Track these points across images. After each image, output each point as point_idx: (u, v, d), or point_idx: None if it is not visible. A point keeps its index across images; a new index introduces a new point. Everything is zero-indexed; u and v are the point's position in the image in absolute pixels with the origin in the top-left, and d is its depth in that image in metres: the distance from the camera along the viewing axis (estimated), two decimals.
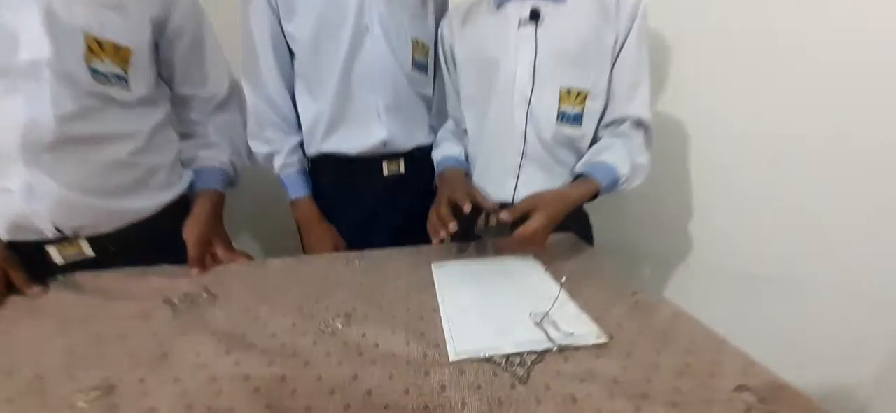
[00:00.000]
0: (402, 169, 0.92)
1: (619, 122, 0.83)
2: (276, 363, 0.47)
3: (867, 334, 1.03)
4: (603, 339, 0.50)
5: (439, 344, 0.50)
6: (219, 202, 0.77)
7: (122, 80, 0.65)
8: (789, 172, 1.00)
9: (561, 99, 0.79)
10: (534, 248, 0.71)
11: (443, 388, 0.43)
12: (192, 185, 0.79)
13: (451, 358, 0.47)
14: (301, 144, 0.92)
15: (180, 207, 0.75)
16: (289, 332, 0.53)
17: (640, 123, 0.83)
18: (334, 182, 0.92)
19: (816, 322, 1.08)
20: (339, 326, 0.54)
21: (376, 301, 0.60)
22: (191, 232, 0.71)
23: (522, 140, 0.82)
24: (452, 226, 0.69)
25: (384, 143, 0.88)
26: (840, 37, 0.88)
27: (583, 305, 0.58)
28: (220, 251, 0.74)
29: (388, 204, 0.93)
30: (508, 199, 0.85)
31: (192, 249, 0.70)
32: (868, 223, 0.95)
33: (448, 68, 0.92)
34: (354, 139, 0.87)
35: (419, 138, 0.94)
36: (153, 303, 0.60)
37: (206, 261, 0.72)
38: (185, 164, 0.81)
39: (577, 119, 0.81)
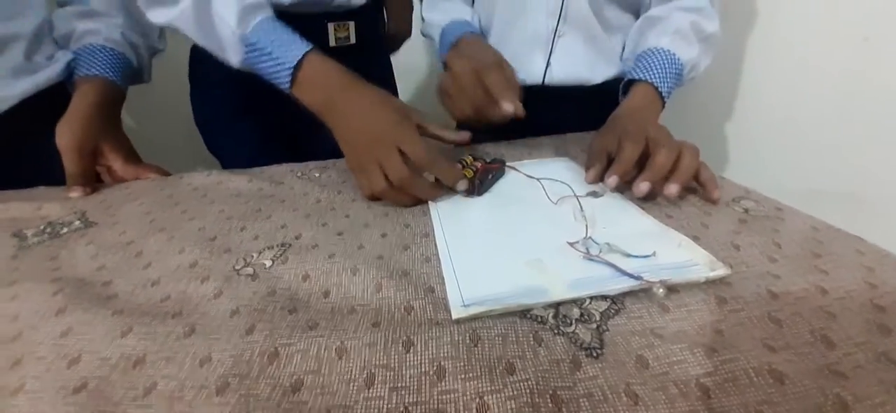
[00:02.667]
0: (352, 36, 0.62)
1: None
2: (137, 331, 0.26)
3: None
4: (721, 271, 0.28)
5: (434, 289, 0.29)
6: (108, 95, 0.52)
7: None
8: (869, 74, 0.77)
9: None
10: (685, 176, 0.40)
11: (440, 372, 0.22)
12: (72, 74, 0.54)
13: (456, 313, 0.26)
14: None
15: (57, 102, 0.51)
16: (182, 277, 0.32)
17: None
18: None
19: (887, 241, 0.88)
20: (267, 265, 0.32)
21: (335, 225, 0.38)
22: (63, 137, 0.48)
23: None
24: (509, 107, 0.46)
25: None
26: None
27: (664, 220, 0.36)
28: (118, 165, 0.51)
29: None
30: (536, 82, 0.61)
31: (68, 162, 0.48)
32: None
33: None
34: None
35: None
36: None
37: (90, 178, 0.49)
38: (61, 42, 0.56)
39: None
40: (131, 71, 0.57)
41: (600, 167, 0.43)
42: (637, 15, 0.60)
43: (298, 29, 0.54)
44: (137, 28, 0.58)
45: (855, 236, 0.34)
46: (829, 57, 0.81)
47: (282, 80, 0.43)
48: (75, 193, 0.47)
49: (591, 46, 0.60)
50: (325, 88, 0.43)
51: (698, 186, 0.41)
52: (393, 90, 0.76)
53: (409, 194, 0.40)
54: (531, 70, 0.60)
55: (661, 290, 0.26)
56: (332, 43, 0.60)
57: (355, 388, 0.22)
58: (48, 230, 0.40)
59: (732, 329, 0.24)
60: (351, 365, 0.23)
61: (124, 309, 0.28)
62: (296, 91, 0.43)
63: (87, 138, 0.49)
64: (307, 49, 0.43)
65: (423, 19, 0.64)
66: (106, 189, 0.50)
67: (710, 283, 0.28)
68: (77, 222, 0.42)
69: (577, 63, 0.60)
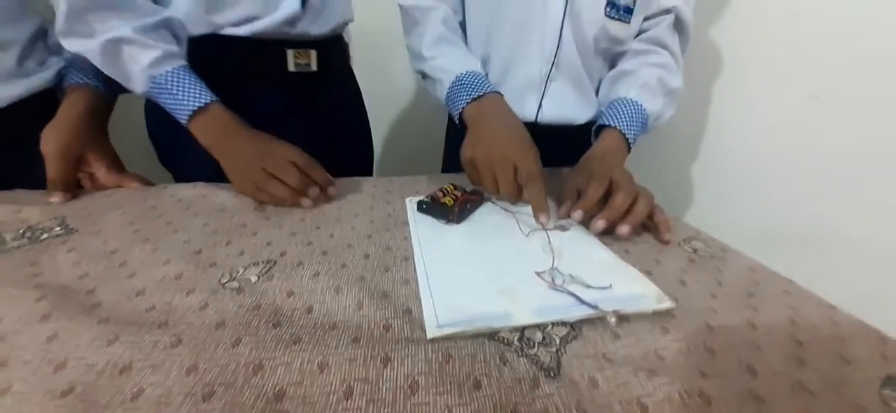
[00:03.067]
0: (313, 64, 0.61)
1: (654, 19, 0.62)
2: (124, 340, 0.27)
3: (879, 298, 0.92)
4: (667, 305, 0.32)
5: (412, 310, 0.31)
6: (97, 104, 0.53)
7: None
8: (807, 127, 0.86)
9: None
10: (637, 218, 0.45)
11: (413, 386, 0.24)
12: (62, 81, 0.55)
13: (431, 333, 0.28)
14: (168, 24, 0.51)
15: (45, 108, 0.52)
16: (167, 288, 0.33)
17: (679, 23, 0.63)
18: (214, 90, 0.53)
19: (838, 281, 0.96)
20: (253, 280, 0.34)
21: (319, 244, 0.40)
22: (49, 142, 0.48)
23: (556, 41, 0.60)
24: (545, 219, 0.44)
25: (293, 20, 0.56)
26: None
27: (622, 255, 0.40)
28: (101, 172, 0.52)
29: (294, 119, 0.62)
30: (529, 120, 0.65)
31: (51, 167, 0.48)
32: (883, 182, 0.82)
33: None
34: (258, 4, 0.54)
35: (343, 14, 0.66)
36: None
37: (72, 184, 0.49)
38: (54, 49, 0.56)
39: (628, 12, 0.60)
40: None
41: (571, 203, 0.47)
42: (613, 65, 0.66)
43: (256, 55, 0.58)
44: None
45: (785, 278, 0.39)
46: (782, 112, 0.89)
47: (180, 115, 0.49)
48: (56, 198, 0.47)
49: (578, 91, 0.64)
50: (218, 132, 0.50)
51: (653, 226, 0.45)
52: (363, 118, 0.77)
53: (290, 185, 0.48)
54: (524, 110, 0.63)
55: (613, 320, 0.30)
56: (291, 68, 0.60)
57: (335, 399, 0.24)
58: (28, 234, 0.40)
59: (672, 356, 0.28)
60: (332, 378, 0.25)
61: (110, 317, 0.29)
62: (191, 126, 0.50)
63: (73, 145, 0.49)
64: (210, 100, 0.50)
65: (423, 56, 0.62)
66: (86, 196, 0.50)
67: (658, 314, 0.31)
68: (57, 228, 0.42)
69: (566, 105, 0.64)
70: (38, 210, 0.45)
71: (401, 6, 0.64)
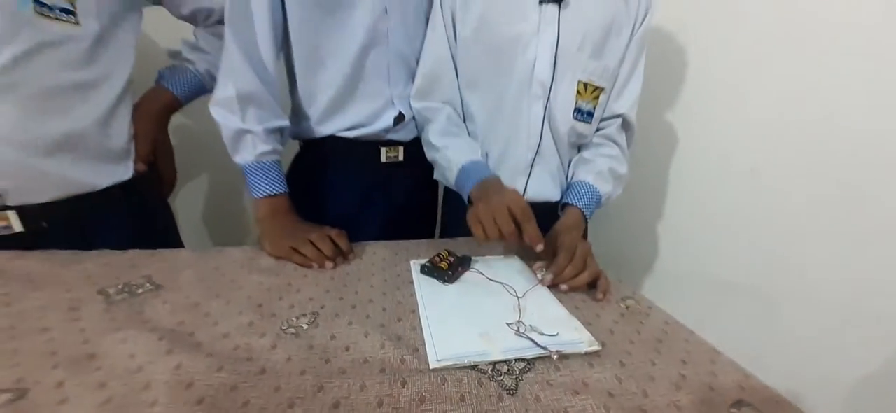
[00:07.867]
0: (400, 156, 0.83)
1: (608, 120, 0.80)
2: (227, 368, 0.40)
3: (830, 343, 1.04)
4: (596, 347, 0.46)
5: (418, 349, 0.45)
6: (167, 104, 0.75)
7: (69, 13, 0.59)
8: (760, 183, 1.00)
9: (578, 93, 0.75)
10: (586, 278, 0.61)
11: (422, 399, 0.38)
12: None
13: (432, 365, 0.42)
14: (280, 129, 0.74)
15: (136, 189, 0.68)
16: (244, 332, 0.46)
17: (626, 124, 0.81)
18: (325, 170, 0.81)
19: (782, 330, 1.09)
20: (305, 327, 0.48)
21: (348, 299, 0.54)
22: (139, 124, 0.71)
23: (538, 136, 0.76)
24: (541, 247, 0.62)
25: (388, 128, 0.79)
26: (819, 53, 0.88)
27: (572, 310, 0.55)
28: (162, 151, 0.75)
29: (381, 193, 0.84)
30: None
31: (139, 144, 0.71)
32: (833, 234, 0.94)
33: (449, 38, 0.76)
34: (363, 119, 0.77)
35: None
36: (84, 292, 0.52)
37: (150, 157, 0.73)
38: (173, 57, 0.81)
39: (590, 116, 0.77)
40: (195, 94, 0.80)
41: (546, 264, 0.63)
42: (578, 150, 0.83)
43: (355, 151, 0.80)
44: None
45: (689, 330, 0.53)
46: (725, 185, 1.05)
47: (258, 191, 0.69)
48: (141, 167, 0.70)
49: (553, 174, 0.80)
50: (276, 210, 0.70)
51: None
52: (434, 202, 0.97)
53: (325, 252, 0.64)
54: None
55: (555, 357, 0.44)
56: (383, 159, 0.81)
57: (371, 408, 0.37)
58: (126, 290, 0.53)
59: (593, 383, 0.42)
60: (369, 395, 0.38)
61: (212, 353, 0.42)
62: (260, 200, 0.69)
63: (151, 130, 0.73)
64: (282, 191, 0.71)
65: (433, 146, 0.77)
66: (160, 257, 0.63)
67: (589, 353, 0.46)
68: (147, 285, 0.55)
69: (546, 185, 0.80)
70: (128, 269, 0.58)
71: (414, 108, 0.81)
